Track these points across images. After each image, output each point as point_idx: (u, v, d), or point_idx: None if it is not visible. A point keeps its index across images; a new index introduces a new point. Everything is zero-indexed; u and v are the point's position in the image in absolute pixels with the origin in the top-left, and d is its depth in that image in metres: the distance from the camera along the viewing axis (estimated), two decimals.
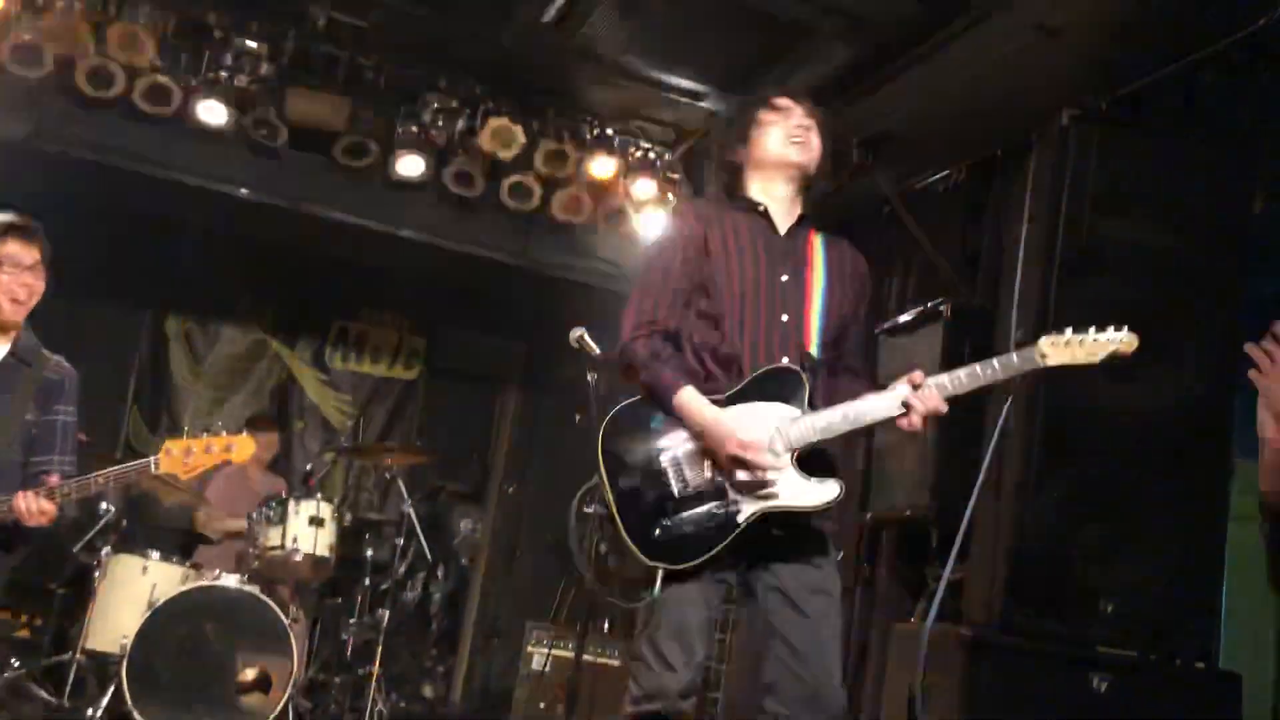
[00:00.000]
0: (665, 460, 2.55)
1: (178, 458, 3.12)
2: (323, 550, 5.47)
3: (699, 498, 2.51)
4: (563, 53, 4.75)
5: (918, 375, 2.56)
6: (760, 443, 2.48)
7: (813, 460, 2.56)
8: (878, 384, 3.13)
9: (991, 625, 3.42)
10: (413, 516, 6.20)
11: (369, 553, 6.10)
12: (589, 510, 3.66)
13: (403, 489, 6.23)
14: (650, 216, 5.78)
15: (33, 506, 3.06)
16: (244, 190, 5.56)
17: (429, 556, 6.68)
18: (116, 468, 3.15)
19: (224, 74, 5.13)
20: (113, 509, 5.55)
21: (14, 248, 3.22)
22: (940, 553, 4.14)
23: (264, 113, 5.27)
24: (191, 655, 5.04)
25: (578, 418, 5.25)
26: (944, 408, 2.55)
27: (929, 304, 4.45)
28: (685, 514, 2.50)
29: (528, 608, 6.74)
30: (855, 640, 4.82)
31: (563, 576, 6.46)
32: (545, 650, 5.77)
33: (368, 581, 6.07)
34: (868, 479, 4.63)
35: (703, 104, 4.90)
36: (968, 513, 3.47)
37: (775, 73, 4.47)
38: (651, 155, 5.64)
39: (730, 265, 2.64)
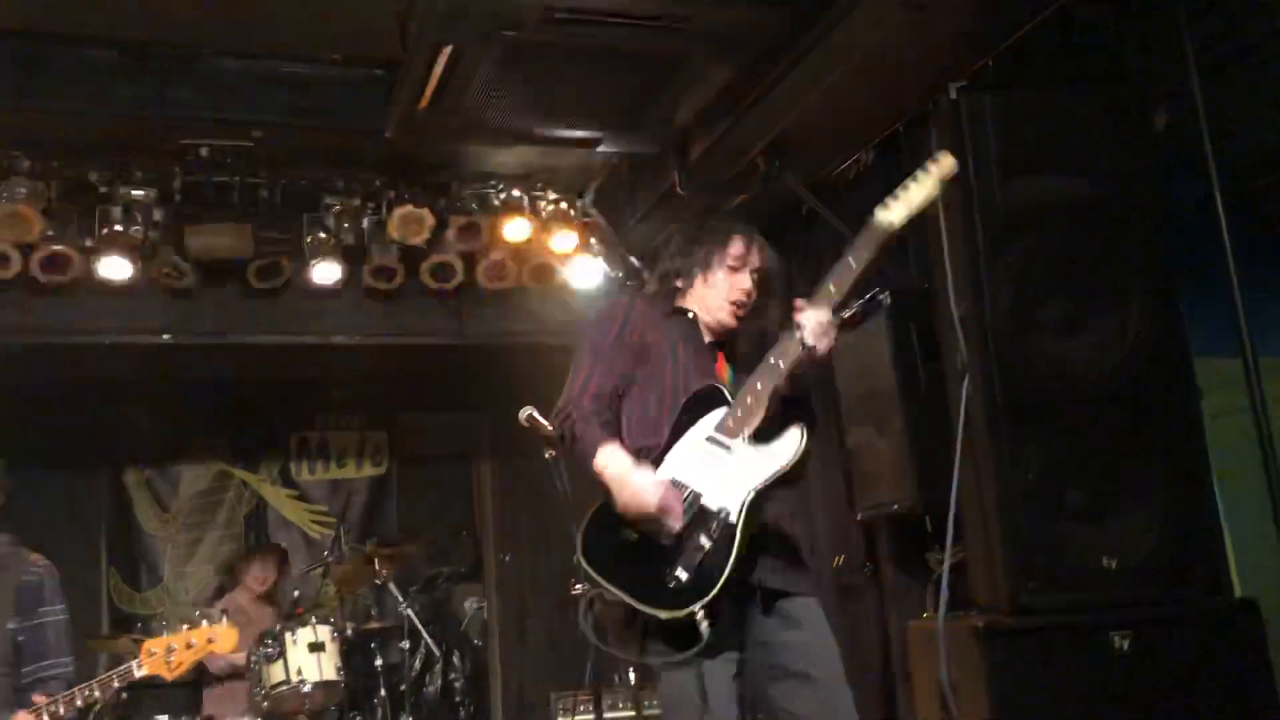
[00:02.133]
0: (641, 528, 2.57)
1: (159, 658, 3.08)
2: (330, 674, 5.37)
3: (686, 532, 2.53)
4: (449, 131, 4.68)
5: (798, 302, 2.72)
6: (673, 508, 2.54)
7: (769, 430, 2.64)
8: (834, 388, 3.19)
9: (1000, 609, 3.37)
10: (413, 617, 6.11)
11: (378, 661, 6.01)
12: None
13: (395, 591, 6.14)
14: (578, 265, 5.73)
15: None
16: (166, 335, 5.47)
17: (437, 652, 6.58)
18: (100, 678, 3.10)
19: (118, 227, 5.02)
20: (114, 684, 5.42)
21: None
22: (937, 538, 4.11)
23: (167, 256, 5.18)
24: None
25: (548, 454, 5.13)
26: (828, 315, 2.72)
27: (868, 295, 4.41)
28: (686, 549, 2.51)
29: (550, 671, 6.66)
30: (877, 641, 4.78)
31: (577, 637, 6.39)
32: (573, 717, 5.70)
33: (383, 692, 5.97)
34: (850, 482, 4.59)
35: (600, 148, 4.84)
36: (953, 497, 3.45)
37: (661, 104, 4.43)
38: (564, 205, 5.58)
39: (663, 365, 2.79)
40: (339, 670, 5.42)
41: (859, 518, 4.59)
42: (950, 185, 3.66)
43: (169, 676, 3.09)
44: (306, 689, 5.26)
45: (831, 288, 2.69)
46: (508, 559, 7.95)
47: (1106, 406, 3.43)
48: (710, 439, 2.62)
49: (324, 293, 5.52)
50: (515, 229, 5.48)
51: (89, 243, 5.05)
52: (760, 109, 4.42)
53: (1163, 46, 3.73)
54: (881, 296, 4.26)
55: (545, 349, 6.28)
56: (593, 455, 2.60)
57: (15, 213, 4.80)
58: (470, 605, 7.80)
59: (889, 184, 4.82)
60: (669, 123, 4.56)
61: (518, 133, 4.68)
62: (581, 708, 5.70)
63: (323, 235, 5.34)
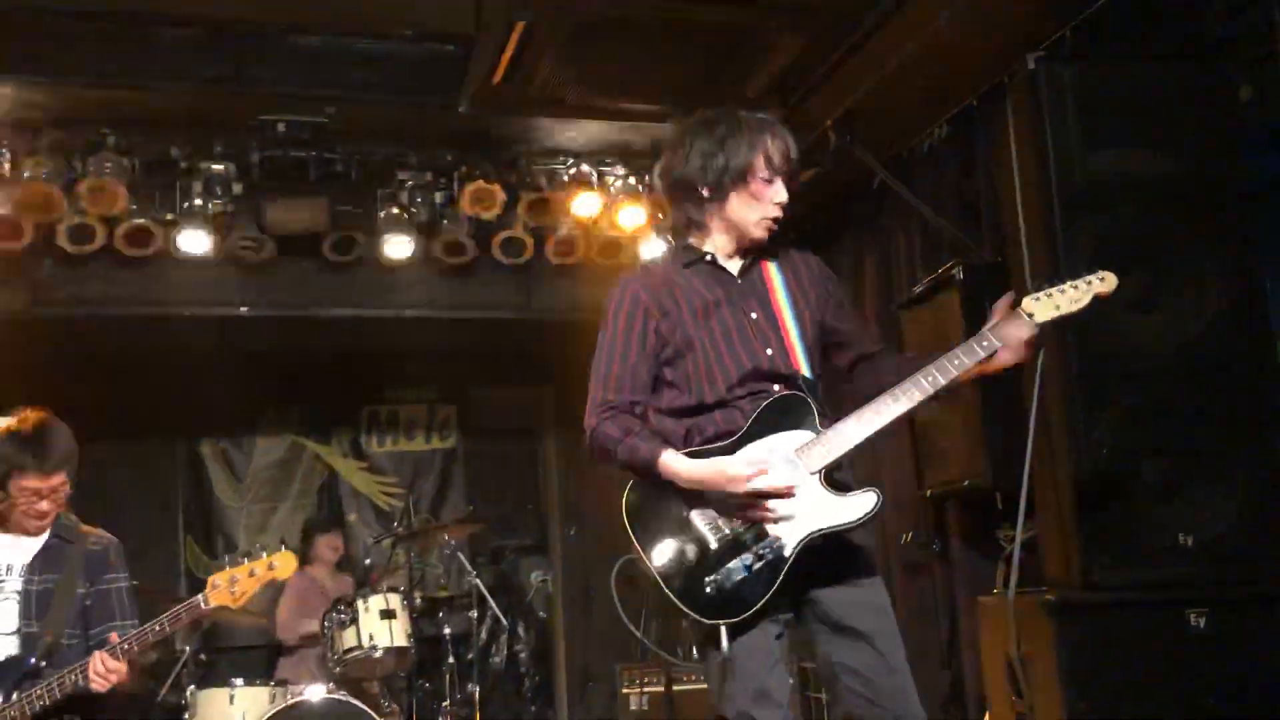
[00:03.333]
0: (695, 516, 2.48)
1: (224, 589, 3.14)
2: (400, 640, 5.46)
3: (738, 544, 2.43)
4: (521, 105, 4.73)
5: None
6: (764, 460, 2.43)
7: (842, 476, 2.51)
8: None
9: (1072, 585, 3.34)
10: (480, 586, 6.21)
11: (447, 630, 6.10)
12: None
13: (464, 561, 6.24)
14: (648, 243, 5.75)
15: (100, 668, 3.08)
16: (243, 309, 5.59)
17: (504, 621, 6.67)
18: (169, 613, 3.15)
19: (198, 202, 5.15)
20: (188, 648, 5.59)
21: (32, 481, 3.24)
22: (1007, 515, 4.08)
23: (245, 230, 5.29)
24: None
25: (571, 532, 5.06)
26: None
27: (940, 269, 4.38)
28: (731, 564, 2.42)
29: (614, 645, 6.71)
30: (945, 619, 4.77)
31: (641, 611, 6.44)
32: (639, 690, 5.76)
33: (451, 659, 6.06)
34: (919, 457, 4.57)
35: (669, 122, 4.85)
36: (1024, 472, 3.42)
37: (732, 77, 4.42)
38: (633, 181, 5.59)
39: (699, 321, 2.57)
40: (409, 637, 5.51)
41: (928, 494, 4.57)
42: (1027, 157, 3.65)
43: (234, 606, 3.16)
44: (378, 654, 5.37)
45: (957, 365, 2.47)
46: (572, 533, 8.03)
47: (1184, 382, 3.38)
48: (789, 460, 2.45)
49: (396, 267, 5.60)
50: (584, 204, 5.50)
51: (170, 216, 5.18)
52: (832, 81, 4.41)
53: (1248, 16, 3.65)
54: (954, 270, 4.22)
55: None
56: (652, 470, 2.46)
57: (102, 187, 4.93)
58: (536, 578, 7.91)
59: (963, 161, 4.83)
60: (740, 96, 4.55)
61: (589, 107, 4.71)
62: (647, 679, 5.74)
63: (395, 210, 5.42)
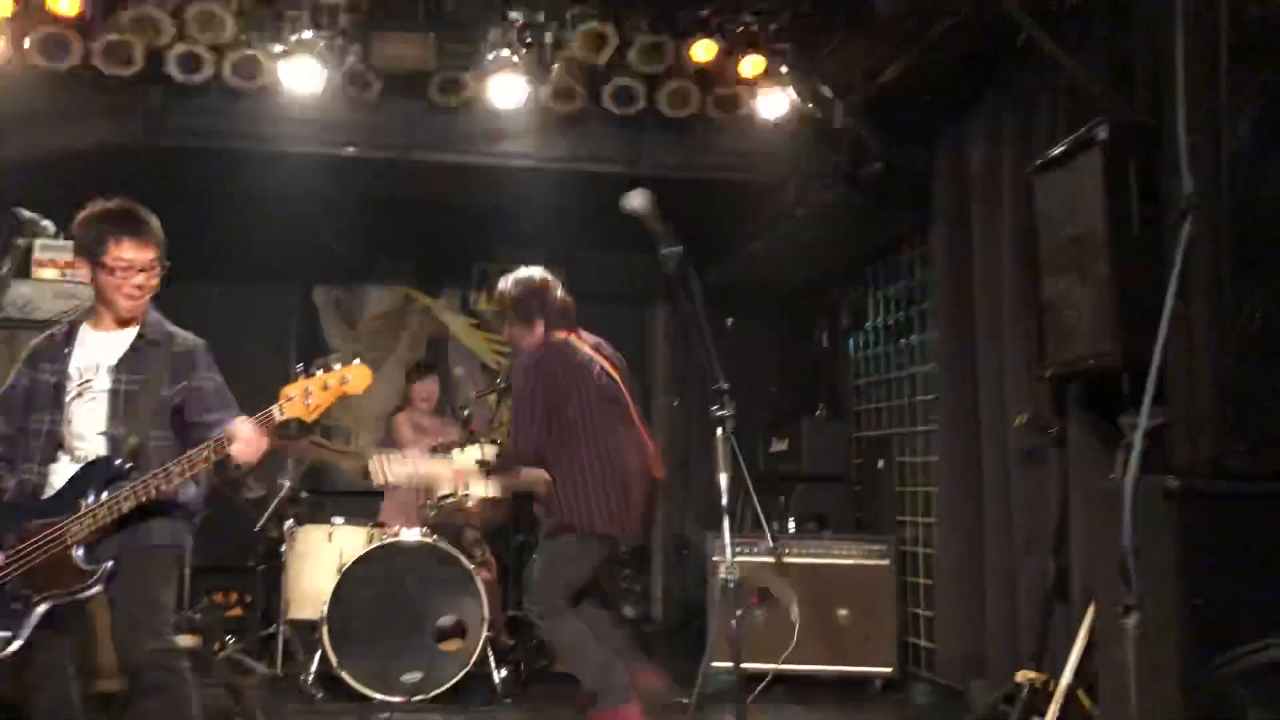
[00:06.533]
0: None
1: (298, 401, 3.08)
2: (495, 491, 5.47)
3: None
4: None
5: None
6: None
7: None
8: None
9: (1201, 472, 3.05)
10: None
11: None
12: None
13: None
14: (765, 94, 5.43)
15: (245, 432, 3.03)
16: (350, 148, 5.50)
17: None
18: (262, 411, 3.11)
19: (306, 34, 5.03)
20: (289, 483, 5.71)
21: (129, 251, 3.21)
22: (1134, 400, 3.78)
23: (353, 65, 5.17)
24: (386, 612, 5.17)
25: (729, 321, 4.97)
26: None
27: (1083, 130, 3.98)
28: None
29: (710, 516, 6.64)
30: (1055, 508, 4.51)
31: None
32: (731, 559, 5.67)
33: None
34: (1043, 334, 4.25)
35: None
36: (1157, 352, 3.11)
37: None
38: (755, 28, 5.25)
39: None
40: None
41: (1048, 374, 4.27)
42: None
43: (308, 418, 3.10)
44: (470, 503, 5.39)
45: None
46: (676, 403, 7.93)
47: None
48: None
49: (503, 113, 5.42)
50: (702, 50, 5.20)
51: (277, 48, 5.07)
52: None
53: None
54: (1098, 128, 3.83)
55: (723, 185, 6.07)
56: None
57: (210, 12, 4.85)
58: None
59: (1118, 9, 4.36)
60: None
61: None
62: (741, 550, 5.66)
63: (505, 51, 5.21)
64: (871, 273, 7.07)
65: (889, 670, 5.66)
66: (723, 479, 3.24)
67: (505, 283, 4.66)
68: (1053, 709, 3.94)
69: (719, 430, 3.38)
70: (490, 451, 5.47)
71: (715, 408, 3.20)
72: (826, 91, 5.28)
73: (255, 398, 3.25)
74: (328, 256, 7.38)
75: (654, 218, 3.18)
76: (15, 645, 3.05)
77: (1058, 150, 4.12)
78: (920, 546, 6.18)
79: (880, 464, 6.69)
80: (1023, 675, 4.25)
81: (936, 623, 5.79)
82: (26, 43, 4.82)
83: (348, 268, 7.73)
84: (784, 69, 5.29)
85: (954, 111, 5.37)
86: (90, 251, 3.23)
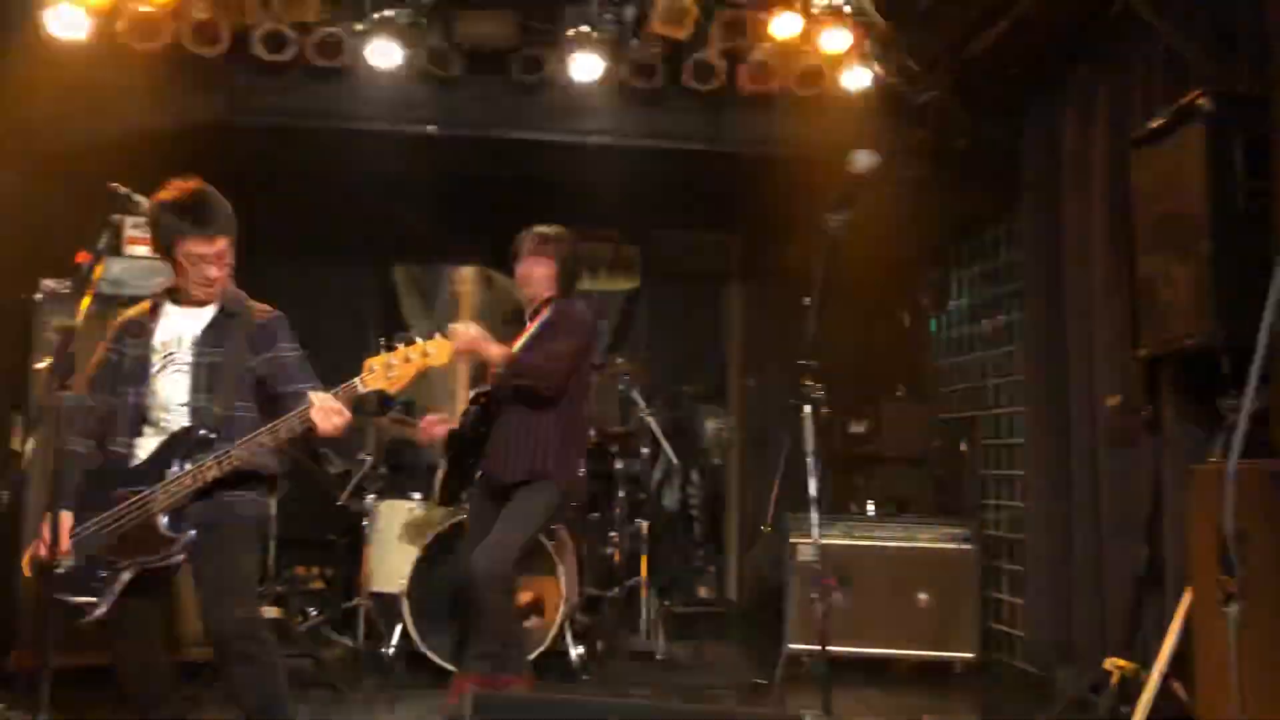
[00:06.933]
0: None
1: (380, 373, 3.11)
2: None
3: None
4: None
5: None
6: None
7: None
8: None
9: None
10: (653, 424, 6.16)
11: (619, 465, 6.10)
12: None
13: (637, 398, 6.18)
14: (849, 69, 5.33)
15: (329, 404, 3.08)
16: (430, 127, 5.51)
17: (675, 461, 6.64)
18: (341, 385, 3.15)
19: (389, 12, 5.05)
20: (370, 458, 5.77)
21: (195, 246, 3.25)
22: (1234, 382, 3.64)
23: (435, 43, 5.18)
24: (464, 589, 5.18)
25: (806, 300, 4.95)
26: None
27: (1184, 101, 3.83)
28: None
29: (789, 498, 6.58)
30: (1148, 491, 4.37)
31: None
32: (810, 541, 5.62)
33: (622, 493, 6.08)
34: (1137, 312, 4.12)
35: None
36: (1263, 331, 2.99)
37: None
38: (839, 2, 5.15)
39: None
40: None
41: (1142, 354, 4.14)
42: None
43: (390, 389, 3.14)
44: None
45: None
46: (752, 383, 7.86)
47: None
48: None
49: (583, 90, 5.39)
50: (784, 25, 5.11)
51: (360, 27, 5.10)
52: None
53: None
54: (1199, 101, 3.68)
55: (806, 163, 5.96)
56: None
57: None
58: (712, 425, 7.82)
59: None
60: None
61: None
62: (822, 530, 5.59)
63: (585, 28, 5.18)
64: (954, 252, 6.93)
65: (970, 655, 5.57)
66: (810, 460, 3.18)
67: (552, 230, 4.77)
68: (1145, 698, 3.83)
69: (806, 410, 3.33)
70: None
71: (804, 386, 3.13)
72: (912, 65, 5.16)
73: (334, 376, 3.28)
74: (406, 235, 7.43)
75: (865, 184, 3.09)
76: (100, 610, 3.13)
77: (1157, 123, 3.98)
78: (1003, 530, 6.06)
79: (963, 446, 6.56)
80: (1111, 663, 4.15)
81: (1023, 608, 5.67)
82: (119, 24, 4.90)
83: (426, 246, 7.78)
84: (868, 43, 5.17)
85: (1044, 84, 5.22)
86: (161, 241, 3.30)
